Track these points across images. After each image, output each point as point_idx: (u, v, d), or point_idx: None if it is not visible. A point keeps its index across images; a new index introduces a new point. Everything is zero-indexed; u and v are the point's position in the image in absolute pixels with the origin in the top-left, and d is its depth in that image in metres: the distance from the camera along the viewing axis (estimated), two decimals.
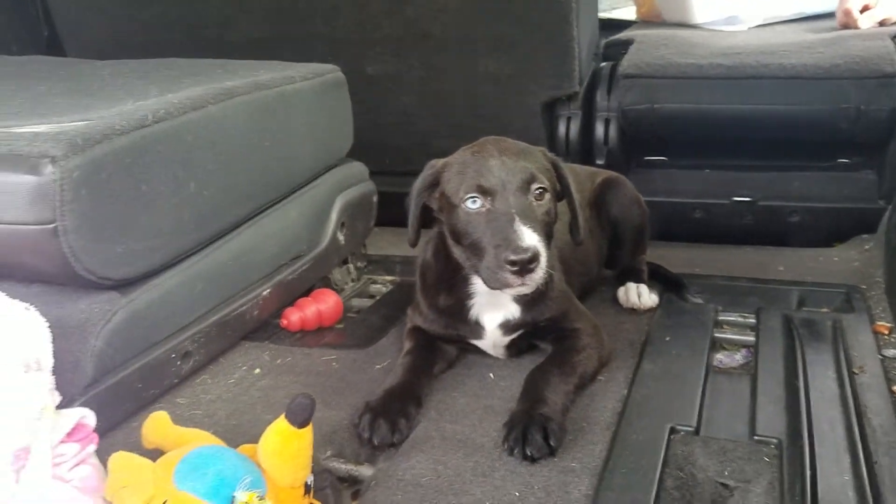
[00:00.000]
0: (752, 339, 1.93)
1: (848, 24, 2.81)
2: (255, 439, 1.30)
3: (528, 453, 1.40)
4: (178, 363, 1.66)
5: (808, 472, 1.31)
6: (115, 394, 1.49)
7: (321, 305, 2.03)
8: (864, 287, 2.18)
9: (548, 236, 1.54)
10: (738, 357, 1.93)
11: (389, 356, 1.86)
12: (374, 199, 2.44)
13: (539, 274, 1.44)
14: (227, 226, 1.79)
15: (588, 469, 1.39)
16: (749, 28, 3.13)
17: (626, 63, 2.70)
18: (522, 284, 1.45)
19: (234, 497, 1.12)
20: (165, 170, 1.57)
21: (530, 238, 1.43)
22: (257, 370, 1.81)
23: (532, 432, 1.42)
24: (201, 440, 1.27)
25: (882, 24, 2.79)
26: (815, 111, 2.53)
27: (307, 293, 2.11)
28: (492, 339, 1.75)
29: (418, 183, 1.63)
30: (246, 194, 1.84)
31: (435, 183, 1.61)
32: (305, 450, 1.23)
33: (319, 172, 2.19)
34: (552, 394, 1.54)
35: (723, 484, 1.38)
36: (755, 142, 2.76)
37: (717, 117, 2.64)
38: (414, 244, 1.69)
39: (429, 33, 2.72)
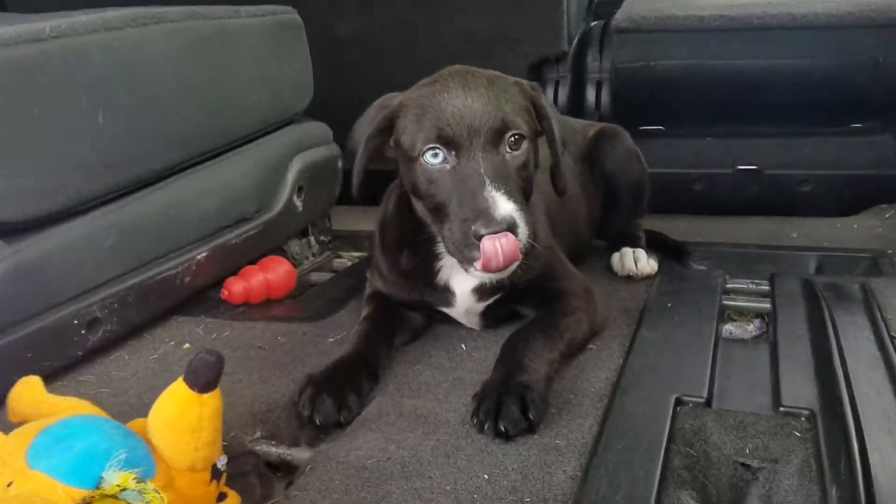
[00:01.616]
0: (766, 306, 1.66)
1: None
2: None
3: (502, 428, 1.12)
4: (83, 332, 1.38)
5: (854, 446, 1.03)
6: (10, 362, 1.21)
7: (269, 274, 1.76)
8: (891, 252, 1.91)
9: (526, 194, 1.27)
10: (751, 328, 1.67)
11: (346, 328, 1.58)
12: (339, 164, 2.17)
13: (519, 249, 1.17)
14: (150, 173, 1.52)
15: (575, 446, 1.12)
16: None
17: (620, 16, 2.45)
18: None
19: (101, 478, 0.84)
20: (66, 94, 1.30)
21: (504, 207, 1.16)
22: (186, 345, 1.54)
23: (507, 403, 1.14)
24: (78, 410, 0.99)
25: None
26: (828, 65, 2.28)
27: (255, 262, 1.83)
28: (464, 305, 1.48)
29: (368, 127, 1.33)
30: (176, 138, 1.57)
31: (388, 127, 1.32)
32: (210, 420, 0.95)
33: (272, 126, 1.92)
34: (533, 361, 1.26)
35: (743, 464, 1.11)
36: (761, 104, 2.50)
37: (720, 75, 2.38)
38: (359, 198, 1.40)
39: None
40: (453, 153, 1.22)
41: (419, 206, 1.34)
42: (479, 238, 1.14)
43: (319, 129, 2.13)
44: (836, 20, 2.24)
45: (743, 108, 2.51)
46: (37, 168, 1.26)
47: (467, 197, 1.18)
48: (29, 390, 1.03)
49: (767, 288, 1.74)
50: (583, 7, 2.68)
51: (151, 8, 1.54)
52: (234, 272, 1.77)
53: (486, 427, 1.14)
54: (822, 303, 1.56)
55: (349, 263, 2.12)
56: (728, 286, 1.78)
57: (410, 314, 1.53)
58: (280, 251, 1.98)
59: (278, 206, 1.91)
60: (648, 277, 1.81)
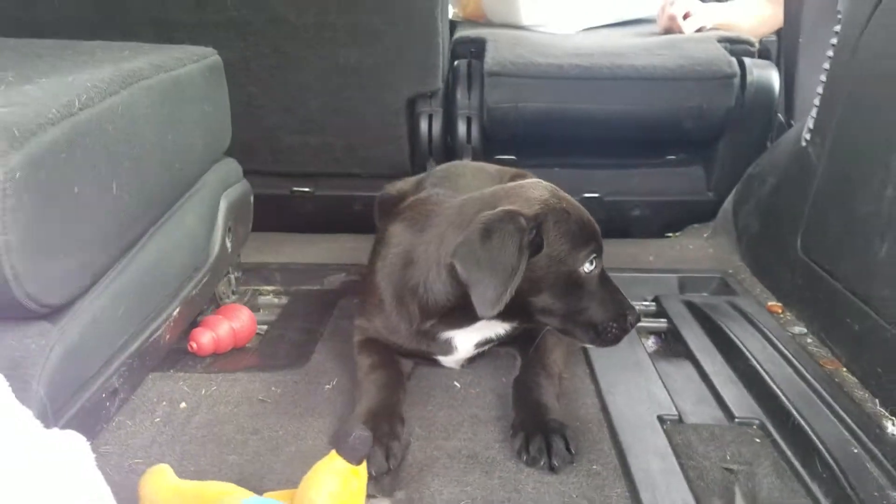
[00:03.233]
0: (663, 324, 2.02)
1: (672, 28, 3.04)
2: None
3: (555, 464, 1.33)
4: (108, 403, 1.35)
5: (821, 447, 1.37)
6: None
7: (234, 322, 1.78)
8: (731, 271, 2.37)
9: None
10: (650, 343, 2.02)
11: (335, 374, 1.67)
12: (251, 199, 2.19)
13: None
14: (139, 233, 1.49)
15: (611, 470, 1.35)
16: (577, 31, 3.28)
17: (491, 61, 2.69)
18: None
19: None
20: (92, 167, 1.26)
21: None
22: (182, 404, 1.54)
23: (555, 441, 1.35)
24: (231, 493, 1.03)
25: (699, 31, 3.06)
26: (663, 109, 2.70)
27: (202, 311, 1.83)
28: (462, 355, 1.64)
29: (514, 242, 1.28)
30: (154, 195, 1.54)
31: (538, 243, 1.36)
32: (363, 490, 1.05)
33: (206, 169, 1.91)
34: (549, 398, 1.48)
35: (728, 469, 1.42)
36: (601, 140, 2.90)
37: (575, 116, 2.72)
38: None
39: (281, 17, 2.50)
40: (601, 260, 1.44)
41: (542, 303, 1.42)
42: (632, 325, 1.46)
43: (234, 165, 2.13)
44: (670, 72, 2.67)
45: (590, 143, 2.89)
46: (75, 248, 1.21)
47: (612, 295, 1.47)
48: (164, 480, 1.04)
49: (657, 308, 2.11)
50: (447, 45, 2.89)
51: (127, 64, 1.50)
52: (195, 324, 1.76)
53: (541, 463, 1.33)
54: (714, 321, 1.93)
55: (275, 300, 2.16)
56: None
57: (402, 360, 1.65)
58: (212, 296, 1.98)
59: (216, 248, 1.90)
60: None
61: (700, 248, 2.63)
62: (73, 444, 0.91)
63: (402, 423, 1.45)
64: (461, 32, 3.07)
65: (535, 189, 1.43)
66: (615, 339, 1.45)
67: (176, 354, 1.73)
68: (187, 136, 1.73)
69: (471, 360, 1.69)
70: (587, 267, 1.40)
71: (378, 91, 2.64)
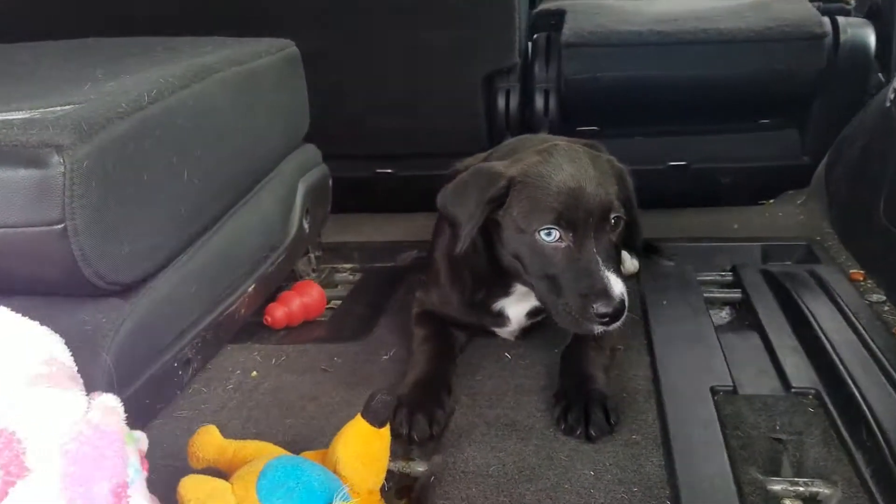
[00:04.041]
0: (738, 295, 1.97)
1: None
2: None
3: (592, 433, 1.35)
4: (180, 372, 1.49)
5: (869, 416, 1.33)
6: (127, 413, 1.30)
7: (305, 298, 1.89)
8: (819, 238, 2.28)
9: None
10: (724, 314, 1.98)
11: (393, 346, 1.75)
12: (330, 183, 2.30)
13: (622, 320, 1.35)
14: (213, 218, 1.62)
15: (650, 440, 1.36)
16: None
17: (568, 32, 2.68)
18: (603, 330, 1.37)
19: None
20: (163, 157, 1.39)
21: (618, 286, 1.34)
22: (254, 373, 1.66)
23: (595, 411, 1.37)
24: (266, 452, 1.13)
25: None
26: (750, 72, 2.61)
27: (280, 287, 1.96)
28: (515, 325, 1.68)
29: (481, 193, 1.40)
30: (229, 182, 1.67)
31: (502, 199, 1.42)
32: (385, 451, 1.14)
33: (284, 156, 2.03)
34: (596, 370, 1.49)
35: (776, 439, 1.39)
36: (686, 107, 2.83)
37: (657, 84, 2.67)
38: (462, 252, 1.46)
39: (358, 3, 2.58)
40: (570, 234, 1.37)
41: (507, 261, 1.47)
42: (601, 315, 1.32)
43: (313, 151, 2.25)
44: (755, 34, 2.57)
45: (671, 111, 2.83)
46: (148, 230, 1.35)
47: (583, 275, 1.34)
48: (212, 438, 1.16)
49: (733, 279, 2.06)
50: (526, 20, 2.90)
51: (202, 59, 1.63)
52: (272, 299, 1.89)
53: (578, 432, 1.36)
54: (790, 291, 1.88)
55: (351, 278, 2.27)
56: (699, 279, 2.08)
57: (457, 332, 1.71)
58: (291, 272, 2.11)
59: (293, 230, 2.02)
60: (632, 276, 2.08)
61: (790, 216, 2.54)
62: None
63: (448, 392, 1.51)
64: (544, 5, 3.06)
65: (538, 153, 1.45)
66: (575, 324, 1.37)
67: (253, 327, 1.86)
68: (263, 125, 1.85)
69: (526, 333, 1.73)
70: (544, 237, 1.37)
71: (456, 70, 2.68)
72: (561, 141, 2.03)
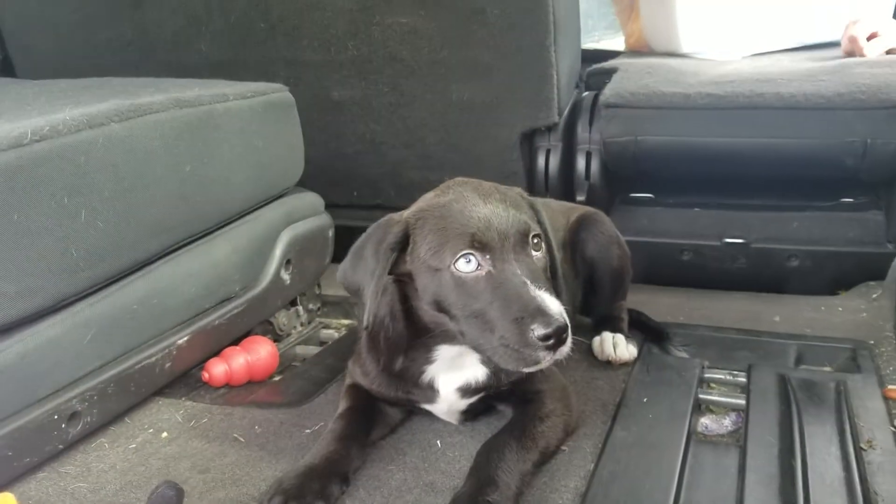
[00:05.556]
0: (742, 401, 1.67)
1: (853, 52, 2.58)
2: None
3: None
4: (63, 426, 1.40)
5: None
6: None
7: (251, 356, 1.78)
8: (873, 343, 1.92)
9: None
10: (727, 423, 1.68)
11: (323, 417, 1.60)
12: (330, 233, 2.20)
13: (569, 344, 1.19)
14: (130, 263, 1.54)
15: None
16: (743, 57, 2.92)
17: (608, 92, 2.48)
18: (552, 359, 1.19)
19: None
20: (48, 197, 1.33)
21: (554, 304, 1.18)
22: (164, 434, 1.56)
23: None
24: None
25: (889, 52, 2.56)
26: (815, 145, 2.29)
27: (238, 340, 1.86)
28: (447, 403, 1.49)
29: (374, 245, 1.29)
30: (158, 226, 1.59)
31: (404, 242, 1.31)
32: None
33: (259, 203, 1.95)
34: (506, 474, 1.27)
35: None
36: (749, 178, 2.53)
37: (706, 151, 2.40)
38: (372, 328, 1.40)
39: (397, 56, 2.51)
40: (488, 257, 1.22)
41: (428, 315, 1.33)
42: (543, 338, 1.14)
43: (310, 199, 2.16)
44: (825, 101, 2.25)
45: (730, 181, 2.54)
46: (16, 272, 1.28)
47: (513, 299, 1.18)
48: None
49: (744, 381, 1.76)
50: (574, 78, 2.72)
51: (136, 99, 1.58)
52: (217, 352, 1.79)
53: None
54: (794, 405, 1.57)
55: (336, 334, 2.14)
56: (706, 376, 1.80)
57: (389, 409, 1.54)
58: (267, 323, 2.01)
59: (265, 281, 1.93)
60: (628, 363, 1.82)
61: (852, 312, 2.18)
62: None
63: (342, 481, 1.34)
64: (602, 64, 2.86)
65: (434, 192, 1.35)
66: (518, 358, 1.18)
67: (195, 381, 1.77)
68: (220, 170, 1.78)
69: (471, 416, 1.53)
70: (462, 267, 1.22)
71: (491, 126, 2.55)
72: (581, 207, 1.87)
